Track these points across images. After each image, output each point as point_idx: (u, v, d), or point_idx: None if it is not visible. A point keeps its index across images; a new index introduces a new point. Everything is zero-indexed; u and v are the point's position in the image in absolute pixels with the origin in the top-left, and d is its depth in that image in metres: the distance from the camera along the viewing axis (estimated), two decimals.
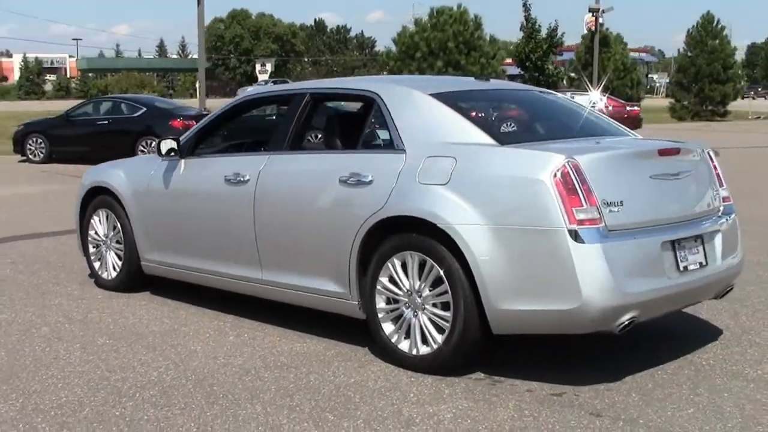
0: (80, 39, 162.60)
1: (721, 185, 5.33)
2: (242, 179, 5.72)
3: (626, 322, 4.44)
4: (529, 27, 34.71)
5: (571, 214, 4.33)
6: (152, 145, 17.76)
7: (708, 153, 5.34)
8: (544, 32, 34.71)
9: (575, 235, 4.32)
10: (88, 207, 7.07)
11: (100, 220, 6.96)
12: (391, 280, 4.93)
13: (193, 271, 6.23)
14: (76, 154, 18.85)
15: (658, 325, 5.79)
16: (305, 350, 5.29)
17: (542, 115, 5.81)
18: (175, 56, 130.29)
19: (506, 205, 4.51)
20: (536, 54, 33.86)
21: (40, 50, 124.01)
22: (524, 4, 34.94)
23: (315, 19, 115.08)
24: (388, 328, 4.98)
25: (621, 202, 4.50)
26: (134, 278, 6.75)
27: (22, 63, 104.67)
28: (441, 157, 4.80)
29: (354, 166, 5.15)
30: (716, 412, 4.25)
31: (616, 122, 5.77)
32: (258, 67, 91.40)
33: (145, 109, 19.37)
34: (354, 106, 5.71)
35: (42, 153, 19.55)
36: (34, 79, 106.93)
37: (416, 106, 5.14)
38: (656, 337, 5.54)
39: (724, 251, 5.09)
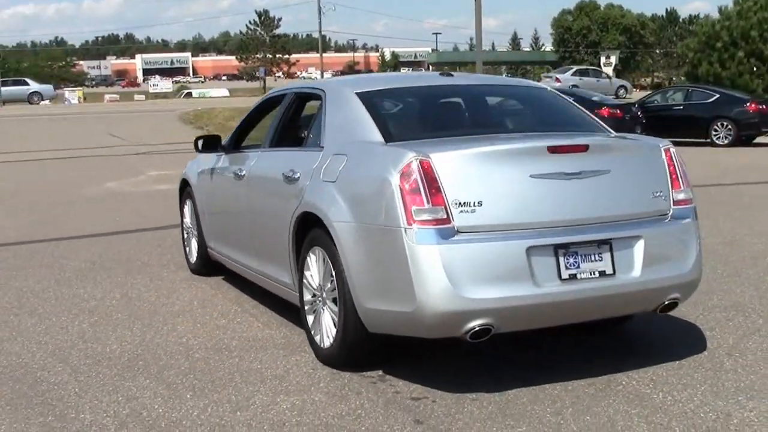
0: (439, 33, 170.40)
1: (677, 186, 4.83)
2: (240, 174, 6.18)
3: (476, 329, 4.26)
4: None
5: (409, 213, 4.26)
6: None
7: (664, 151, 4.86)
8: None
9: (412, 236, 4.24)
10: (182, 197, 7.90)
11: (187, 210, 7.75)
12: (311, 274, 5.12)
13: (225, 257, 6.79)
14: None
15: (643, 337, 5.45)
16: (264, 337, 5.63)
17: (488, 110, 5.62)
18: (527, 49, 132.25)
19: (367, 203, 4.55)
20: None
21: (408, 45, 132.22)
22: None
23: (666, 9, 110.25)
24: (310, 320, 5.18)
25: (479, 202, 4.31)
26: (206, 263, 7.43)
27: (380, 57, 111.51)
28: (339, 155, 4.92)
29: (293, 163, 5.40)
30: None
31: (592, 118, 5.40)
32: (603, 59, 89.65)
33: (572, 98, 20.27)
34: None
35: None
36: (390, 72, 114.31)
37: (342, 104, 5.27)
38: (614, 348, 5.19)
39: (653, 260, 4.61)
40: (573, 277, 4.42)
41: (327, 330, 4.94)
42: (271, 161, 5.89)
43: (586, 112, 5.55)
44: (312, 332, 5.14)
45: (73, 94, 71.92)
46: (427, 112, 5.52)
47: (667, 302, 4.73)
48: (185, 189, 7.78)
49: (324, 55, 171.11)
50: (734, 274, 7.18)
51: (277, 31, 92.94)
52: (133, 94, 79.04)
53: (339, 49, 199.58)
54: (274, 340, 5.56)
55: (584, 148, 4.59)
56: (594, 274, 4.47)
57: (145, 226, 10.40)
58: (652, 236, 4.65)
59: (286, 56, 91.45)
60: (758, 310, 6.00)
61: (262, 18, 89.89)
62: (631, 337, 5.53)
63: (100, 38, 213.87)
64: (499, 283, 4.26)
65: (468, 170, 4.38)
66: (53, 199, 13.31)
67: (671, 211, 4.80)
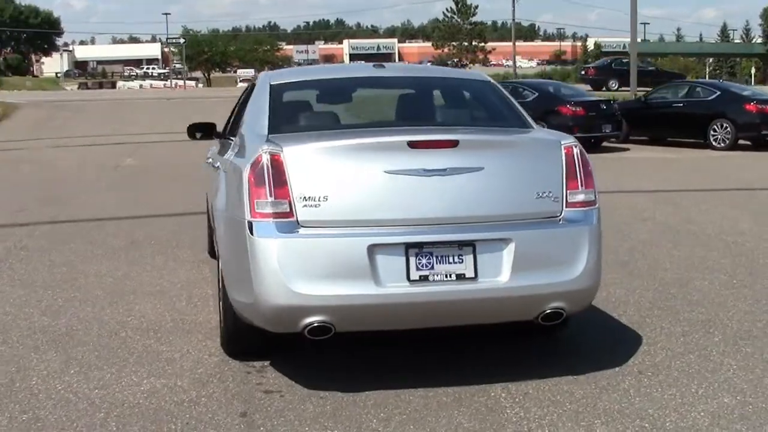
0: (648, 23, 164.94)
1: (573, 187, 4.52)
2: (207, 161, 6.37)
3: (314, 325, 4.20)
4: None
5: (253, 206, 4.27)
6: (725, 128, 18.68)
7: (564, 149, 4.56)
8: None
9: (253, 228, 4.24)
10: None
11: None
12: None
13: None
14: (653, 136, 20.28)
15: (564, 347, 5.21)
16: (201, 321, 5.78)
17: (395, 104, 5.47)
18: (738, 41, 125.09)
19: (230, 195, 4.64)
20: None
21: (617, 35, 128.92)
22: None
23: None
24: (220, 308, 5.27)
25: (325, 197, 4.23)
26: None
27: (582, 47, 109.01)
28: (235, 146, 4.99)
29: (221, 152, 5.53)
30: None
31: (518, 114, 5.12)
32: None
33: (719, 92, 19.93)
34: None
35: None
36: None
37: (257, 96, 5.31)
38: (516, 358, 4.96)
39: (526, 265, 4.32)
40: (424, 278, 4.25)
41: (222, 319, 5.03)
42: (217, 150, 6.03)
43: (517, 107, 5.26)
44: (220, 319, 5.24)
45: None
46: (327, 105, 5.47)
47: (548, 311, 4.44)
48: None
49: (530, 44, 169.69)
50: (749, 285, 6.62)
51: (475, 19, 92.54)
52: None
53: (547, 38, 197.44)
54: (206, 325, 5.69)
55: (453, 143, 4.39)
56: (450, 276, 4.27)
57: None
58: (527, 239, 4.38)
59: (482, 44, 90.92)
60: (727, 327, 5.53)
61: (459, 5, 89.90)
62: (551, 345, 5.26)
63: (311, 23, 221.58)
64: (337, 281, 4.19)
65: (320, 164, 4.32)
66: (164, 177, 14.13)
67: (563, 213, 4.50)
